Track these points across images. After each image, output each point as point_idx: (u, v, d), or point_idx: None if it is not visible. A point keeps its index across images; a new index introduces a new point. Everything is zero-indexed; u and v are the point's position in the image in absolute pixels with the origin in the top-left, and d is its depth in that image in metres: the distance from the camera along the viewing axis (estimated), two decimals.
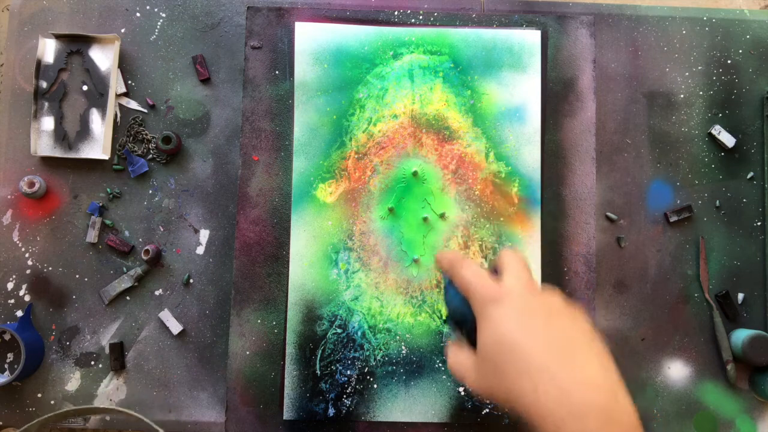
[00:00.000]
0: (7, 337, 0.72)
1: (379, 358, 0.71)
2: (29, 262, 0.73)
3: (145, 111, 0.76)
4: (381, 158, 0.73)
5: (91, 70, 0.75)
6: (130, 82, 0.76)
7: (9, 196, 0.74)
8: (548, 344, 0.35)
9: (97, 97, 0.75)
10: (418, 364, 0.70)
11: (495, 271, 0.46)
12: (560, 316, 0.38)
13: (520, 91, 0.75)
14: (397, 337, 0.71)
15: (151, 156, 0.75)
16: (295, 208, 0.73)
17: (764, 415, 0.73)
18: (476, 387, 0.39)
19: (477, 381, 0.39)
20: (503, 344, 0.36)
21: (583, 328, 0.38)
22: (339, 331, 0.71)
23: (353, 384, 0.70)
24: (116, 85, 0.75)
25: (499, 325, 0.37)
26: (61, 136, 0.74)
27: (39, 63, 0.74)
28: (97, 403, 0.71)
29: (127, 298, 0.73)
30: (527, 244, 0.73)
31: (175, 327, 0.72)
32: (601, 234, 0.75)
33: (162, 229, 0.74)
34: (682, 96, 0.77)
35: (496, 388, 0.37)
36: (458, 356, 0.42)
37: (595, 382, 0.34)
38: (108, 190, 0.74)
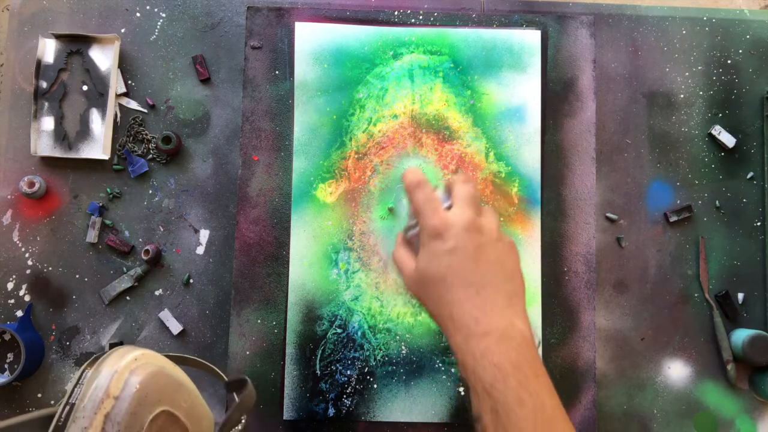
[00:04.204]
0: (7, 337, 0.72)
1: (379, 358, 0.71)
2: (29, 262, 0.73)
3: (145, 111, 0.76)
4: (381, 158, 0.73)
5: (91, 70, 0.75)
6: (130, 82, 0.76)
7: (9, 196, 0.74)
8: (468, 283, 0.42)
9: (97, 97, 0.75)
10: (418, 364, 0.70)
11: (447, 192, 0.50)
12: (486, 256, 0.44)
13: (520, 91, 0.75)
14: (397, 337, 0.71)
15: (151, 156, 0.75)
16: (295, 208, 0.73)
17: (764, 415, 0.73)
18: (409, 289, 0.47)
19: (411, 286, 0.46)
20: (435, 276, 0.43)
21: (504, 269, 0.44)
22: (339, 331, 0.71)
23: (353, 384, 0.70)
24: (116, 85, 0.75)
25: (434, 258, 0.43)
26: (61, 136, 0.74)
27: (39, 63, 0.74)
28: None
29: (127, 298, 0.73)
30: (527, 244, 0.73)
31: (175, 327, 0.72)
32: (601, 234, 0.75)
33: (162, 229, 0.74)
34: (682, 96, 0.77)
35: (423, 301, 0.45)
36: (402, 254, 0.48)
37: (498, 312, 0.41)
38: (108, 190, 0.74)
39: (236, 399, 0.42)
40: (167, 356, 0.45)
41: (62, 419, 0.29)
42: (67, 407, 0.30)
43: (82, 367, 0.33)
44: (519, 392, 0.37)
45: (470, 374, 0.40)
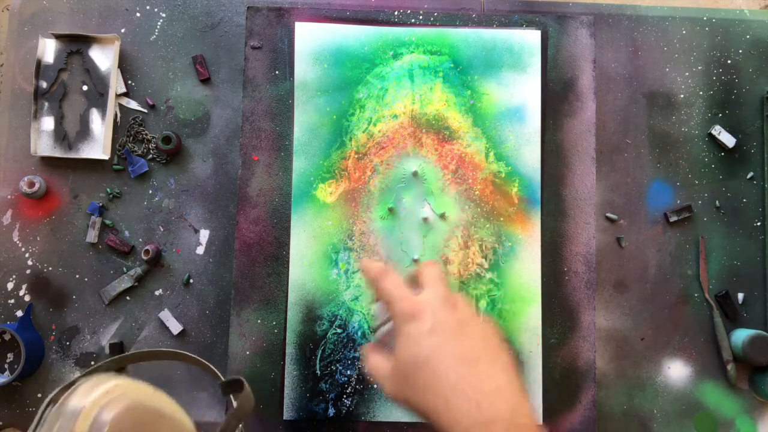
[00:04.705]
0: (7, 337, 0.72)
1: None
2: (29, 262, 0.73)
3: (145, 111, 0.76)
4: (381, 158, 0.73)
5: (91, 70, 0.75)
6: (130, 82, 0.76)
7: (9, 196, 0.74)
8: (458, 361, 0.38)
9: (97, 97, 0.75)
10: None
11: (413, 281, 0.47)
12: (470, 331, 0.41)
13: (520, 91, 0.75)
14: None
15: (151, 156, 0.75)
16: (295, 208, 0.73)
17: (764, 415, 0.73)
18: (393, 394, 0.41)
19: (393, 389, 0.41)
20: (418, 361, 0.39)
21: (491, 342, 0.41)
22: (339, 331, 0.71)
23: (353, 384, 0.70)
24: (116, 85, 0.75)
25: (414, 342, 0.40)
26: (61, 136, 0.74)
27: (39, 63, 0.74)
28: None
29: (127, 298, 0.73)
30: (527, 244, 0.73)
31: (175, 327, 0.72)
32: (601, 234, 0.75)
33: (162, 229, 0.74)
34: (682, 96, 0.77)
35: (411, 398, 0.40)
36: (376, 360, 0.44)
37: (500, 393, 0.37)
38: (108, 190, 0.74)
39: (233, 402, 0.41)
40: (162, 352, 0.44)
41: None
42: None
43: (45, 402, 0.29)
44: None
45: None
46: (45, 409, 0.30)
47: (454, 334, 0.41)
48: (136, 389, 0.32)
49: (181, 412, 0.37)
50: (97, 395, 0.28)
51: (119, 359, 0.43)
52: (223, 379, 0.42)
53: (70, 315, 0.73)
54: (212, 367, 0.48)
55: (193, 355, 0.48)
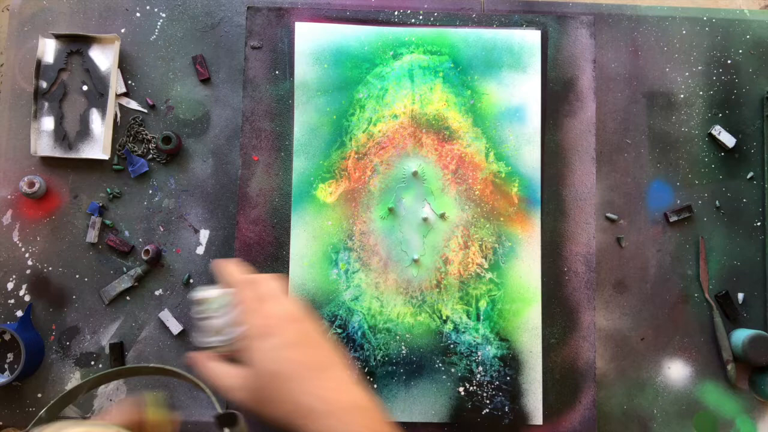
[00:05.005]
0: (7, 337, 0.72)
1: (379, 358, 0.71)
2: (29, 262, 0.73)
3: (145, 111, 0.76)
4: (381, 158, 0.73)
5: (91, 70, 0.75)
6: (130, 82, 0.76)
7: (9, 196, 0.74)
8: (313, 368, 0.42)
9: (97, 97, 0.75)
10: (418, 364, 0.70)
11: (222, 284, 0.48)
12: (317, 339, 0.44)
13: (520, 91, 0.75)
14: (397, 337, 0.71)
15: (151, 156, 0.75)
16: (295, 208, 0.73)
17: (764, 415, 0.73)
18: (241, 399, 0.43)
19: (248, 400, 0.43)
20: (275, 372, 0.41)
21: (333, 347, 0.45)
22: (339, 331, 0.71)
23: None
24: (116, 85, 0.75)
25: (268, 356, 0.42)
26: (61, 136, 0.74)
27: (39, 63, 0.74)
28: (97, 403, 0.71)
29: (127, 298, 0.73)
30: (527, 244, 0.73)
31: (175, 327, 0.72)
32: (601, 234, 0.75)
33: (162, 229, 0.74)
34: (682, 96, 0.77)
35: (264, 405, 0.42)
36: (219, 368, 0.45)
37: (341, 387, 0.42)
38: (108, 190, 0.74)
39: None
40: (155, 368, 0.42)
41: None
42: None
43: None
44: None
45: None
46: None
47: (306, 345, 0.44)
48: None
49: None
50: None
51: (97, 378, 0.42)
52: (218, 411, 0.41)
53: (70, 315, 0.73)
54: (206, 388, 0.46)
55: (184, 373, 0.45)
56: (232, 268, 0.47)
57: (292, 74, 0.74)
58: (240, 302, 0.45)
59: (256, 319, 0.43)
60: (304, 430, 0.40)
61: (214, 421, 0.38)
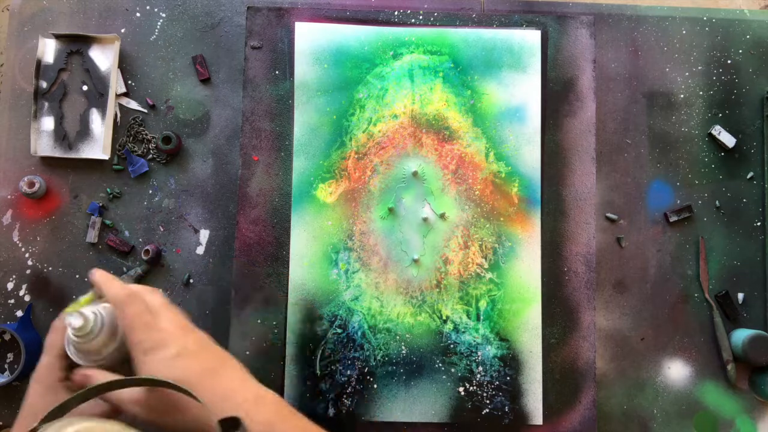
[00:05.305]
0: (7, 337, 0.72)
1: (379, 358, 0.71)
2: (29, 262, 0.73)
3: (145, 111, 0.76)
4: (381, 158, 0.73)
5: (91, 70, 0.75)
6: (130, 82, 0.76)
7: (9, 196, 0.74)
8: (208, 371, 0.44)
9: (97, 97, 0.75)
10: (418, 364, 0.70)
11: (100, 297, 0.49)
12: (204, 341, 0.47)
13: (520, 91, 0.75)
14: (397, 337, 0.71)
15: (151, 156, 0.75)
16: (295, 208, 0.73)
17: (764, 415, 0.73)
18: (150, 419, 0.43)
19: (151, 415, 0.43)
20: (178, 379, 0.42)
21: (221, 352, 0.47)
22: (339, 331, 0.71)
23: (353, 384, 0.70)
24: (116, 85, 0.75)
25: (166, 368, 0.43)
26: (61, 136, 0.74)
27: (39, 63, 0.74)
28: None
29: None
30: (527, 244, 0.73)
31: None
32: (601, 234, 0.75)
33: (162, 229, 0.74)
34: (682, 96, 0.77)
35: (172, 417, 0.43)
36: (121, 393, 0.44)
37: (241, 383, 0.45)
38: (108, 190, 0.74)
39: None
40: (147, 380, 0.42)
41: None
42: None
43: None
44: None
45: None
46: None
47: (197, 351, 0.45)
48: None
49: None
50: None
51: (85, 393, 0.42)
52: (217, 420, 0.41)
53: None
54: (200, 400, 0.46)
55: (175, 383, 0.44)
56: (112, 280, 0.48)
57: (292, 74, 0.74)
58: (126, 318, 0.45)
59: (150, 333, 0.44)
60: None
61: (217, 426, 0.38)
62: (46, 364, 0.47)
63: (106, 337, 0.46)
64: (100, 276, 0.49)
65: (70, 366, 0.47)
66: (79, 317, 0.44)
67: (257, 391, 0.45)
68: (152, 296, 0.48)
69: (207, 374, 0.44)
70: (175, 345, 0.44)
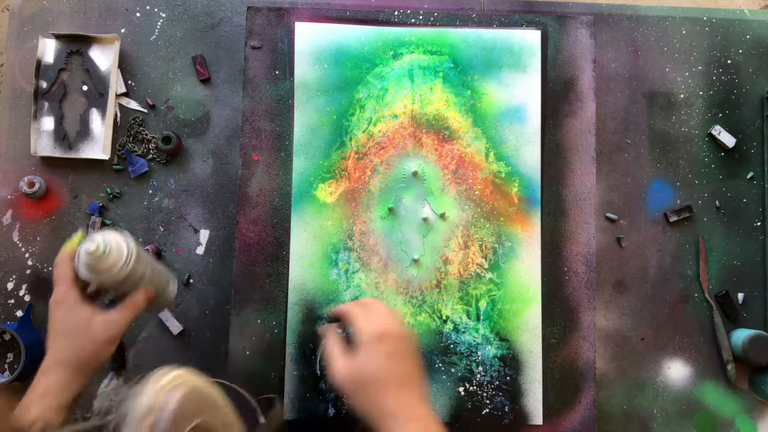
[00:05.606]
0: (7, 337, 0.72)
1: None
2: (29, 262, 0.73)
3: (145, 111, 0.76)
4: (381, 158, 0.73)
5: (91, 70, 0.75)
6: (130, 82, 0.76)
7: (9, 196, 0.74)
8: (400, 382, 0.53)
9: (97, 97, 0.75)
10: None
11: (335, 319, 0.60)
12: (412, 358, 0.55)
13: (520, 91, 0.75)
14: None
15: (151, 156, 0.75)
16: (295, 208, 0.73)
17: (764, 415, 0.73)
18: (340, 381, 0.54)
19: (343, 378, 0.54)
20: (374, 373, 0.53)
21: (420, 367, 0.56)
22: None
23: None
24: (116, 85, 0.75)
25: (372, 358, 0.53)
26: (61, 136, 0.74)
27: (39, 63, 0.74)
28: (97, 403, 0.71)
29: None
30: (527, 244, 0.73)
31: (175, 327, 0.72)
32: (601, 234, 0.75)
33: (162, 229, 0.74)
34: (682, 96, 0.77)
35: (356, 392, 0.53)
36: (338, 350, 0.56)
37: (420, 402, 0.53)
38: (108, 190, 0.74)
39: (262, 419, 0.47)
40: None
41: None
42: (114, 421, 0.35)
43: (128, 386, 0.37)
44: None
45: None
46: (128, 389, 0.38)
47: (402, 361, 0.54)
48: (196, 379, 0.39)
49: (229, 406, 0.43)
50: (169, 378, 0.36)
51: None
52: (256, 399, 0.45)
53: None
54: (242, 390, 0.53)
55: (224, 381, 0.51)
56: (352, 309, 0.58)
57: (292, 74, 0.74)
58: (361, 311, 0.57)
59: (376, 325, 0.54)
60: (383, 425, 0.50)
61: (257, 403, 0.44)
62: (63, 291, 0.53)
63: (114, 257, 0.53)
64: (345, 310, 0.59)
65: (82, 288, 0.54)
66: (92, 242, 0.51)
67: (427, 412, 0.52)
68: (380, 304, 0.59)
69: (400, 380, 0.53)
70: (391, 345, 0.54)
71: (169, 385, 0.36)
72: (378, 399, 0.52)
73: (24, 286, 0.73)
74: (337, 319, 0.60)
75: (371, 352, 0.53)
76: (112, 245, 0.53)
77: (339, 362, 0.55)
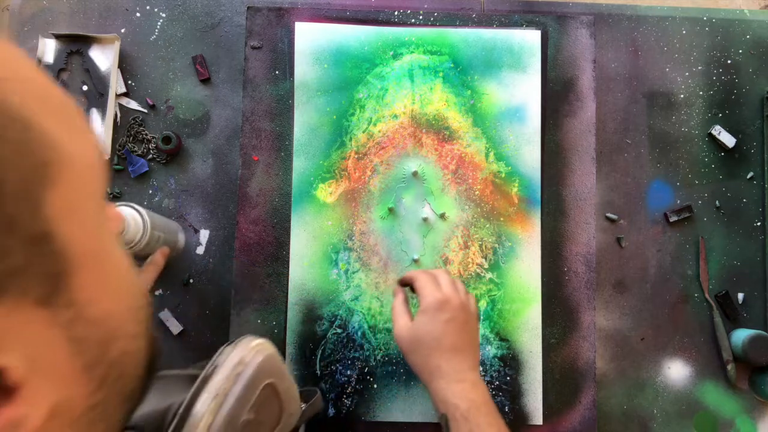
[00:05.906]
0: None
1: (379, 358, 0.71)
2: None
3: (145, 111, 0.76)
4: (381, 158, 0.73)
5: (91, 70, 0.75)
6: (130, 82, 0.76)
7: None
8: (455, 347, 0.57)
9: (97, 97, 0.75)
10: None
11: (405, 284, 0.64)
12: (469, 328, 0.59)
13: (520, 91, 0.75)
14: None
15: (151, 156, 0.75)
16: (295, 208, 0.73)
17: (764, 415, 0.73)
18: (399, 337, 0.59)
19: (402, 336, 0.59)
20: (431, 336, 0.57)
21: (475, 338, 0.60)
22: (339, 331, 0.71)
23: (353, 384, 0.70)
24: (116, 85, 0.75)
25: (432, 323, 0.58)
26: None
27: (39, 63, 0.74)
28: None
29: None
30: (527, 244, 0.73)
31: (175, 327, 0.72)
32: (601, 234, 0.75)
33: None
34: (682, 96, 0.77)
35: (412, 350, 0.58)
36: (402, 309, 0.61)
37: (470, 368, 0.57)
38: (108, 190, 0.74)
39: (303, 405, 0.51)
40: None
41: (209, 374, 0.41)
42: (213, 367, 0.42)
43: (224, 346, 0.45)
44: (489, 418, 0.54)
45: (450, 406, 0.54)
46: (224, 347, 0.44)
47: (459, 330, 0.58)
48: (275, 350, 0.47)
49: (292, 379, 0.49)
50: (255, 343, 0.44)
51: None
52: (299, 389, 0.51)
53: None
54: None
55: None
56: (422, 275, 0.62)
57: (292, 74, 0.74)
58: (426, 279, 0.61)
59: (438, 294, 0.59)
60: (432, 383, 0.56)
61: (298, 392, 0.48)
62: None
63: (132, 233, 0.57)
64: (417, 276, 0.62)
65: None
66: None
67: (474, 378, 0.56)
68: (446, 275, 0.62)
69: (452, 349, 0.57)
70: (450, 313, 0.58)
71: (256, 347, 0.44)
72: (431, 359, 0.56)
73: None
74: (408, 284, 0.64)
75: (430, 318, 0.57)
76: (130, 222, 0.56)
77: (401, 321, 0.59)
